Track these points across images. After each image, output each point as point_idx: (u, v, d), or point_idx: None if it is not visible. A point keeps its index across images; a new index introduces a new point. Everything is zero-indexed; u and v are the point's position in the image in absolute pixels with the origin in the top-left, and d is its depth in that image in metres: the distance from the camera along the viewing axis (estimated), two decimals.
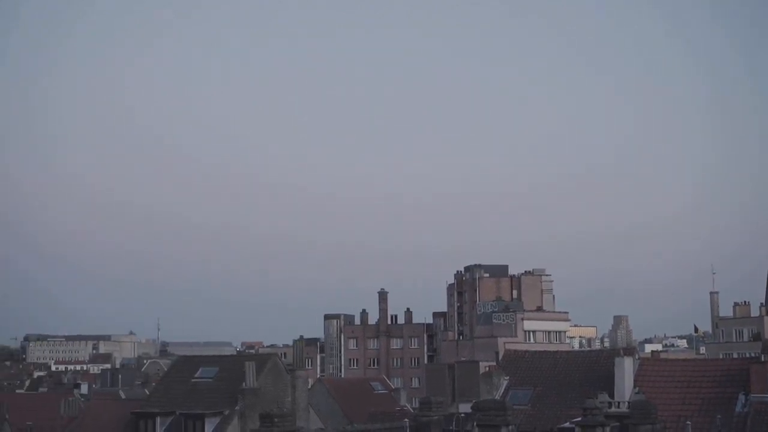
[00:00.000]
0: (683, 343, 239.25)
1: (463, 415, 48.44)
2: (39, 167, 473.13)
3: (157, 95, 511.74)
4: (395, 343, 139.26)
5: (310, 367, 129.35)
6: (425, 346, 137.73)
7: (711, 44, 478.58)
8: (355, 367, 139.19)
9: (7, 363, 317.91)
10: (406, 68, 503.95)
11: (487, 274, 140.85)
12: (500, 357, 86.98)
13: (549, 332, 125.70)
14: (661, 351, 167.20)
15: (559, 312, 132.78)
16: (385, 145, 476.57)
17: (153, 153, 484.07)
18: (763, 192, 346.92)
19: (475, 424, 40.11)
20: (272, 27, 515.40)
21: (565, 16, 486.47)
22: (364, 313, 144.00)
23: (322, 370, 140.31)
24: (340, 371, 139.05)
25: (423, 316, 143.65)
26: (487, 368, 76.45)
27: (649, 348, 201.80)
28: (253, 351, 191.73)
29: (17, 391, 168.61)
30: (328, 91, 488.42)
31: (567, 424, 44.81)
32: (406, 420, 49.23)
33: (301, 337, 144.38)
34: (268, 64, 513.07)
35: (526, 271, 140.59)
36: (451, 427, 48.07)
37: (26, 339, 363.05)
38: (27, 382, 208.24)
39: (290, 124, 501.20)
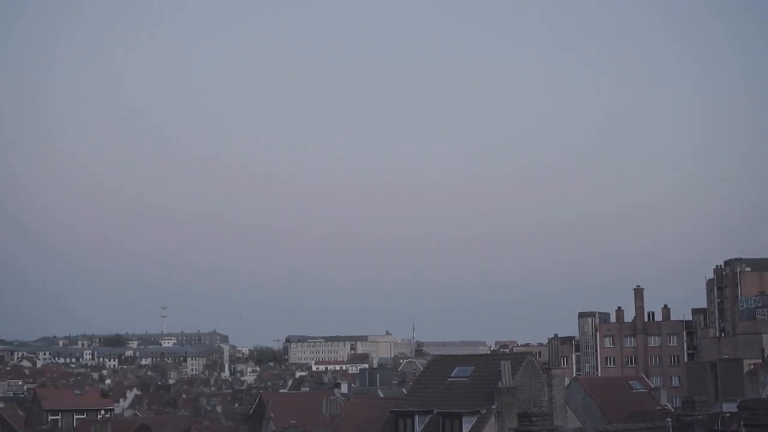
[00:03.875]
0: None
1: (728, 414, 46.57)
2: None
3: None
4: (653, 341, 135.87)
5: (565, 366, 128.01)
6: (684, 344, 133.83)
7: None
8: (611, 365, 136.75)
9: (271, 363, 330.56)
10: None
11: (749, 268, 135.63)
12: (765, 354, 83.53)
13: None
14: None
15: None
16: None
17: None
18: None
19: (741, 423, 38.53)
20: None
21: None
22: (619, 311, 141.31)
23: (578, 369, 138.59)
24: (596, 370, 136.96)
25: (681, 312, 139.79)
26: (752, 366, 73.58)
27: None
28: (506, 350, 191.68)
29: (280, 390, 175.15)
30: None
31: None
32: (668, 419, 47.87)
33: (556, 335, 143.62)
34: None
35: None
36: (715, 427, 46.34)
37: (288, 340, 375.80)
38: (289, 382, 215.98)
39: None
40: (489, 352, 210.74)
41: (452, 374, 55.18)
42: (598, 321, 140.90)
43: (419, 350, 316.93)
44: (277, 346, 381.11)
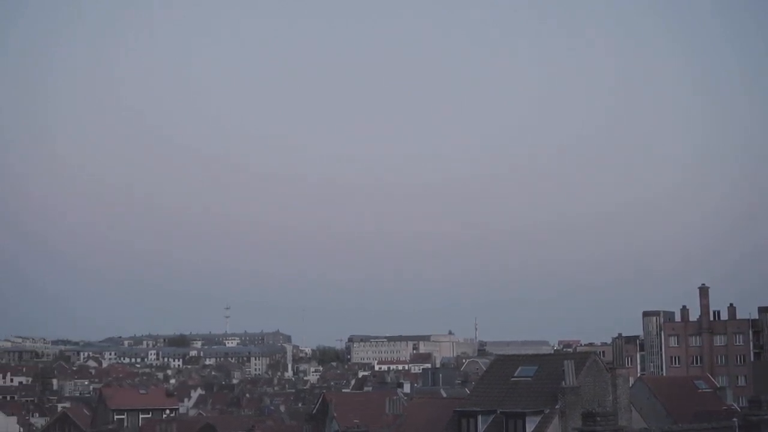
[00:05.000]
0: None
1: None
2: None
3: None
4: (719, 340, 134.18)
5: (630, 365, 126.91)
6: (751, 343, 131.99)
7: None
8: (676, 365, 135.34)
9: (334, 363, 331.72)
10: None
11: None
12: None
13: None
14: None
15: None
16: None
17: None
18: None
19: None
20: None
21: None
22: (684, 310, 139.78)
23: (642, 369, 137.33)
24: (661, 369, 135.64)
25: (747, 311, 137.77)
26: None
27: None
28: (570, 349, 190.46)
29: (343, 390, 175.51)
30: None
31: None
32: (734, 419, 47.29)
33: (620, 335, 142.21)
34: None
35: None
36: None
37: (350, 340, 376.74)
38: (352, 382, 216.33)
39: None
40: (552, 351, 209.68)
41: (515, 374, 55.01)
42: (662, 320, 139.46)
43: (482, 350, 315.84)
44: (340, 345, 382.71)
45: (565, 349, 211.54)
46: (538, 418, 49.69)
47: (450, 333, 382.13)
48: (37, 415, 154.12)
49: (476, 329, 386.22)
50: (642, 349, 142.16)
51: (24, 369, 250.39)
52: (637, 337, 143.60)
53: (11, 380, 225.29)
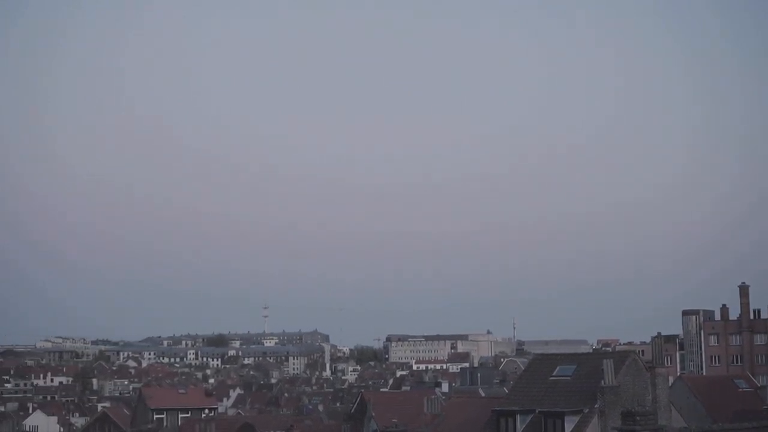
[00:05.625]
0: None
1: None
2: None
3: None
4: (759, 339, 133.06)
5: (669, 365, 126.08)
6: None
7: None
8: (716, 364, 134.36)
9: (372, 363, 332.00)
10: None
11: None
12: None
13: None
14: None
15: None
16: None
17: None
18: None
19: None
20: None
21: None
22: (724, 308, 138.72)
23: (682, 368, 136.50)
24: (701, 368, 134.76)
25: None
26: None
27: None
28: (609, 349, 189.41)
29: (381, 389, 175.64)
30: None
31: None
32: None
33: (659, 333, 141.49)
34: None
35: None
36: None
37: (388, 339, 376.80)
38: (390, 381, 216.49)
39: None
40: (591, 350, 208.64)
41: (554, 373, 54.82)
42: (702, 319, 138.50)
43: (520, 349, 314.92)
44: (378, 345, 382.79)
45: (603, 348, 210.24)
46: (577, 418, 49.51)
47: (488, 332, 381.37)
48: (78, 414, 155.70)
49: (514, 328, 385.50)
50: (681, 348, 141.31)
51: (64, 369, 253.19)
52: (676, 336, 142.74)
53: (52, 380, 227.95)
